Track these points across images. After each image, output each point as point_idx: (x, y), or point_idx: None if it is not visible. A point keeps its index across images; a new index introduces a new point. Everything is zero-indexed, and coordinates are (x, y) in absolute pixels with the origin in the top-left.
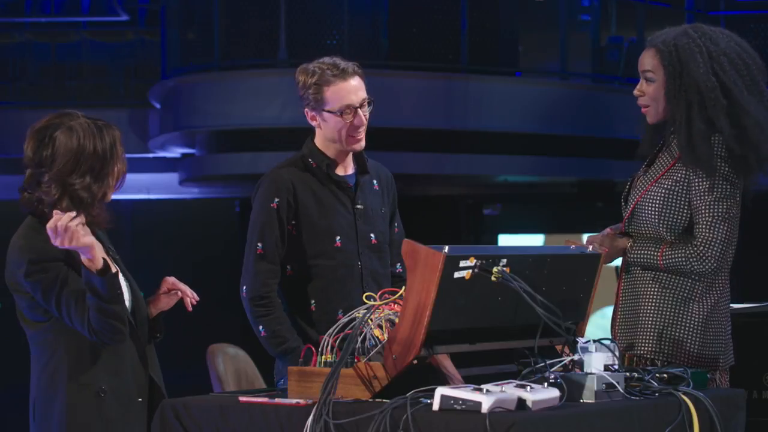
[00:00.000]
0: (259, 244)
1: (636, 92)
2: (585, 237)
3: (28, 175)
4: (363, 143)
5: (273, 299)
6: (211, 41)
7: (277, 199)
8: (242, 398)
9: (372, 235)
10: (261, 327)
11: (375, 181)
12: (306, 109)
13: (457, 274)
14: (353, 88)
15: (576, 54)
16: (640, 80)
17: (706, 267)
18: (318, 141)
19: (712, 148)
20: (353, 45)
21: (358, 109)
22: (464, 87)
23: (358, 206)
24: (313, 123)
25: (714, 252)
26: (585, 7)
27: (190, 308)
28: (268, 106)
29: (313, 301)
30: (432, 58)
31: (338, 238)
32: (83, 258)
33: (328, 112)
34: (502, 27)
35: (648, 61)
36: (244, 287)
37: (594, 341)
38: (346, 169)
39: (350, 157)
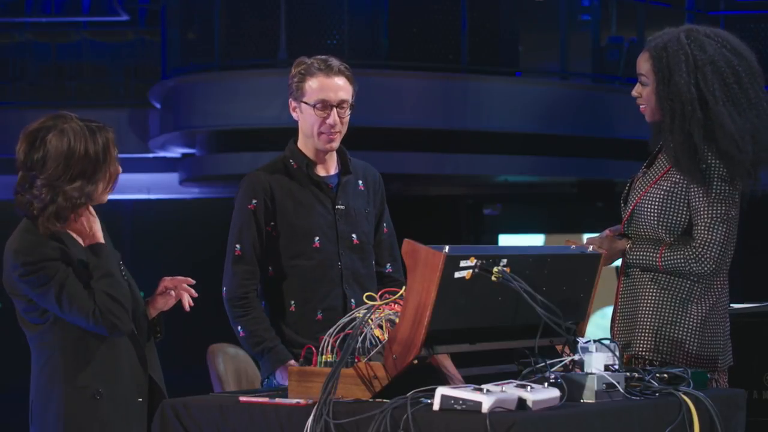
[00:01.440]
0: (237, 246)
1: (633, 93)
2: (585, 237)
3: (20, 178)
4: (335, 145)
5: (251, 300)
6: (212, 41)
7: (254, 201)
8: (242, 398)
9: (354, 235)
10: (239, 327)
11: (360, 182)
12: (290, 99)
13: (457, 274)
14: (334, 86)
15: (576, 54)
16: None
17: (705, 268)
18: (300, 141)
19: (694, 160)
20: (353, 45)
21: (334, 108)
22: (464, 87)
23: (339, 206)
24: (294, 114)
25: (713, 253)
26: (585, 6)
27: (187, 308)
28: (268, 106)
29: (292, 302)
30: (432, 58)
31: (317, 238)
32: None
33: (305, 103)
34: (502, 27)
35: (642, 64)
36: (224, 289)
37: (594, 341)
38: (328, 169)
39: (333, 156)
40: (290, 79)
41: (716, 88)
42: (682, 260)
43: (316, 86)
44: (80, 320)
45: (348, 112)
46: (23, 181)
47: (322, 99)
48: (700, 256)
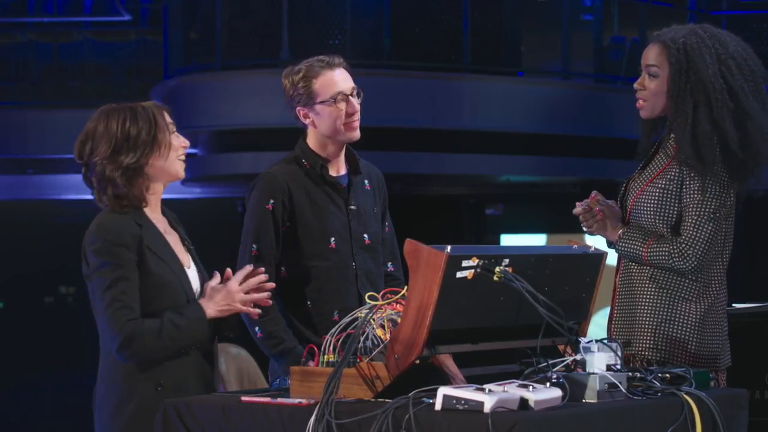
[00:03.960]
0: (254, 246)
1: (636, 86)
2: (587, 237)
3: (84, 174)
4: (358, 133)
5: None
6: (213, 41)
7: (272, 201)
8: (244, 398)
9: (365, 235)
10: (257, 328)
11: (366, 181)
12: (298, 108)
13: (459, 274)
14: (341, 77)
15: (578, 54)
16: (642, 74)
17: (687, 265)
18: (311, 141)
19: (715, 151)
20: (355, 45)
21: (350, 96)
22: (466, 87)
23: (352, 207)
24: (306, 121)
25: (696, 251)
26: (587, 6)
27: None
28: (270, 105)
29: (308, 303)
30: (434, 57)
31: (332, 239)
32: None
33: (321, 103)
34: (504, 27)
35: (653, 56)
36: None
37: (596, 341)
38: (339, 169)
39: (342, 157)
40: (291, 89)
41: (742, 81)
42: (666, 255)
43: (326, 83)
44: (105, 329)
45: (358, 99)
46: (86, 175)
47: (339, 91)
48: (683, 252)
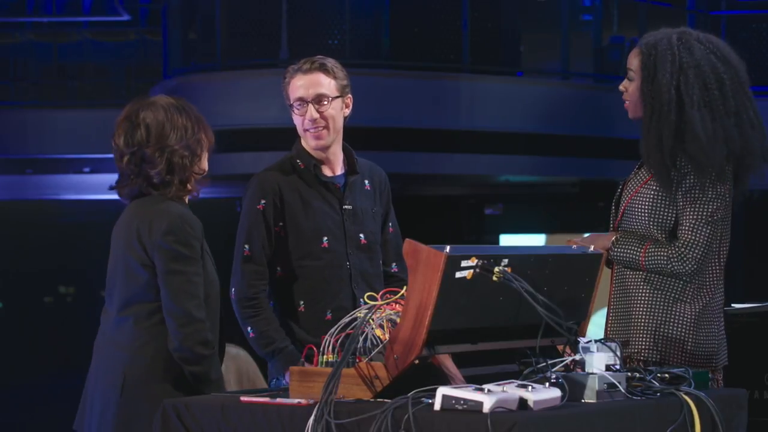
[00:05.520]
0: (246, 246)
1: (620, 88)
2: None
3: (126, 162)
4: (323, 141)
5: (261, 300)
6: (213, 41)
7: (263, 201)
8: (244, 398)
9: (361, 235)
10: (249, 328)
11: (367, 182)
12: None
13: (458, 274)
14: (307, 83)
15: (577, 54)
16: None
17: (686, 268)
18: (305, 142)
19: (663, 161)
20: (355, 44)
21: (309, 104)
22: (466, 87)
23: (346, 207)
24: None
25: (695, 254)
26: (587, 6)
27: None
28: (269, 105)
29: (301, 302)
30: (433, 57)
31: (325, 238)
32: None
33: (290, 107)
34: (504, 27)
35: (632, 60)
36: (233, 289)
37: (595, 341)
38: (335, 169)
39: (340, 157)
40: (283, 91)
41: (695, 92)
42: (665, 259)
43: (291, 89)
44: (178, 315)
45: (331, 105)
46: (130, 164)
47: (298, 97)
48: (682, 255)
